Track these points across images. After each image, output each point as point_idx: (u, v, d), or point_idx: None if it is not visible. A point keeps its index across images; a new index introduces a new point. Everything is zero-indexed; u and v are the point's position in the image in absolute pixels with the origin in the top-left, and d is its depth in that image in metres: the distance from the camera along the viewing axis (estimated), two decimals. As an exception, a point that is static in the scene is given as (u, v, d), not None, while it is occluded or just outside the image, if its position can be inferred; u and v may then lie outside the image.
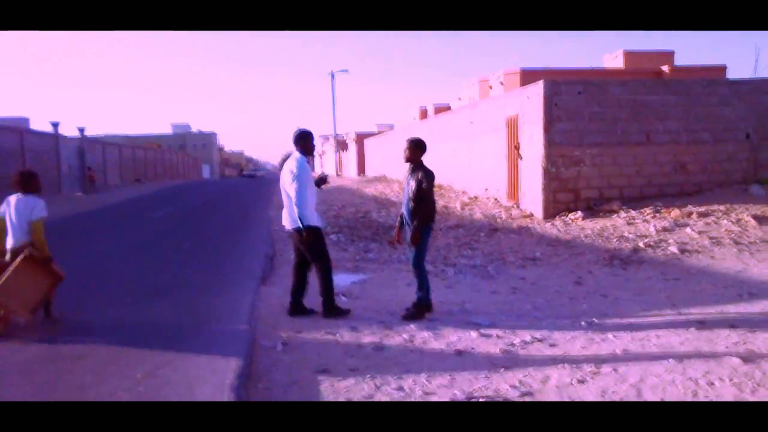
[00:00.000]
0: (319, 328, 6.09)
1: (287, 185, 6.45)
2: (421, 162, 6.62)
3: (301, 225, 6.34)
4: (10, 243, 6.21)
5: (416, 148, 6.62)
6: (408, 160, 6.64)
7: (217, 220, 16.51)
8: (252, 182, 45.99)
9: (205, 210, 20.11)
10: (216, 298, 7.34)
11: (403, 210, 6.69)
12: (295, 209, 6.33)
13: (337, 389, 4.52)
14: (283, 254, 10.67)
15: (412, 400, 4.30)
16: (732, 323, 5.82)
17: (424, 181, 6.42)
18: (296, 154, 6.57)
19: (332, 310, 6.53)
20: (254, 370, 4.98)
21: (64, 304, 6.75)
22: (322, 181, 6.89)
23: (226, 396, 4.24)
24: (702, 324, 5.82)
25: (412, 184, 6.50)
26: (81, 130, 34.54)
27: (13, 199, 6.29)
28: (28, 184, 6.36)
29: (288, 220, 6.56)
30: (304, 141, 6.62)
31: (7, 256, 6.18)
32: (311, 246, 6.46)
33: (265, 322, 6.35)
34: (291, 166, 6.47)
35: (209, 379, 4.60)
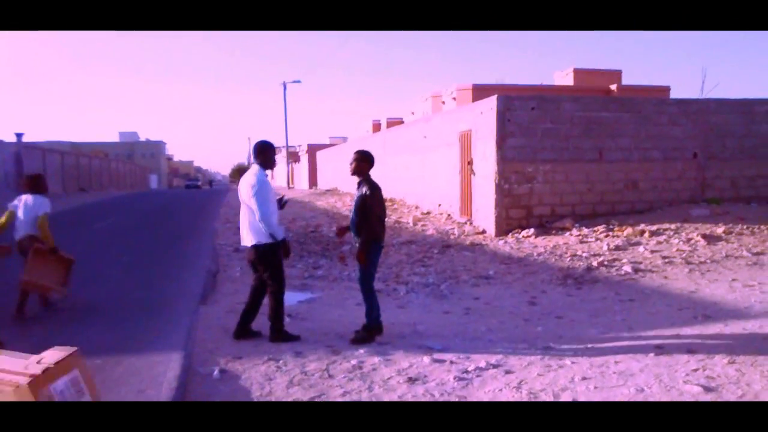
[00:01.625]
0: (262, 354, 5.67)
1: (247, 199, 5.99)
2: (368, 176, 6.23)
3: (271, 239, 5.93)
4: (17, 235, 7.16)
5: (363, 160, 6.22)
6: (354, 173, 6.25)
7: (160, 232, 15.84)
8: (198, 193, 44.83)
9: (148, 221, 19.35)
10: (151, 319, 6.85)
11: (350, 226, 6.34)
12: (260, 224, 5.88)
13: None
14: (227, 270, 10.20)
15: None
16: (689, 348, 5.65)
17: (369, 195, 6.06)
18: (255, 168, 6.11)
19: (281, 335, 6.10)
20: (187, 400, 4.54)
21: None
22: (279, 204, 6.46)
23: None
24: (660, 349, 5.64)
25: (358, 199, 6.13)
26: (19, 136, 33.08)
27: (23, 197, 7.26)
28: (36, 185, 7.38)
29: (246, 236, 6.12)
30: (264, 154, 6.15)
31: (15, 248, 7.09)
32: (270, 264, 6.03)
33: (203, 345, 5.90)
34: (250, 179, 6.00)
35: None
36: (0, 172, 30.79)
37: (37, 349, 5.75)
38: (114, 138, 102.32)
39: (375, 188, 6.13)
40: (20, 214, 7.17)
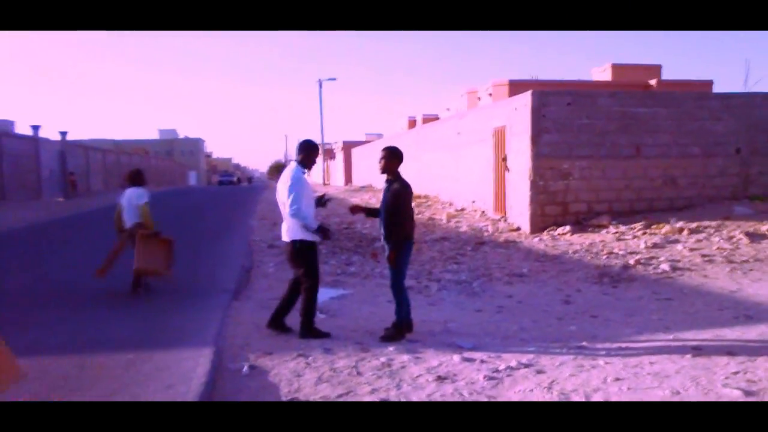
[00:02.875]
0: (292, 350, 5.68)
1: (284, 197, 6.03)
2: (398, 173, 6.12)
3: (308, 235, 5.98)
4: (127, 224, 8.22)
5: (392, 157, 6.11)
6: (384, 170, 6.13)
7: (195, 229, 16.04)
8: (236, 190, 45.28)
9: (184, 217, 19.61)
10: (183, 314, 6.92)
11: (380, 226, 6.26)
12: (294, 219, 5.91)
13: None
14: (261, 266, 10.27)
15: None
16: (729, 350, 5.47)
17: (401, 194, 5.97)
18: (293, 164, 6.13)
19: (311, 332, 6.10)
20: (215, 397, 4.57)
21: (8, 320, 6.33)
22: (320, 201, 6.44)
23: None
24: (698, 350, 5.48)
25: (388, 197, 6.03)
26: (63, 134, 33.92)
27: (126, 192, 8.35)
28: (135, 179, 8.47)
29: (284, 231, 6.17)
30: (307, 153, 6.13)
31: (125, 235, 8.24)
32: (306, 261, 6.05)
33: (233, 341, 5.93)
34: (286, 177, 6.04)
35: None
36: (45, 170, 31.61)
37: (64, 345, 5.89)
38: (154, 135, 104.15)
39: (406, 186, 6.06)
40: (126, 205, 8.23)
